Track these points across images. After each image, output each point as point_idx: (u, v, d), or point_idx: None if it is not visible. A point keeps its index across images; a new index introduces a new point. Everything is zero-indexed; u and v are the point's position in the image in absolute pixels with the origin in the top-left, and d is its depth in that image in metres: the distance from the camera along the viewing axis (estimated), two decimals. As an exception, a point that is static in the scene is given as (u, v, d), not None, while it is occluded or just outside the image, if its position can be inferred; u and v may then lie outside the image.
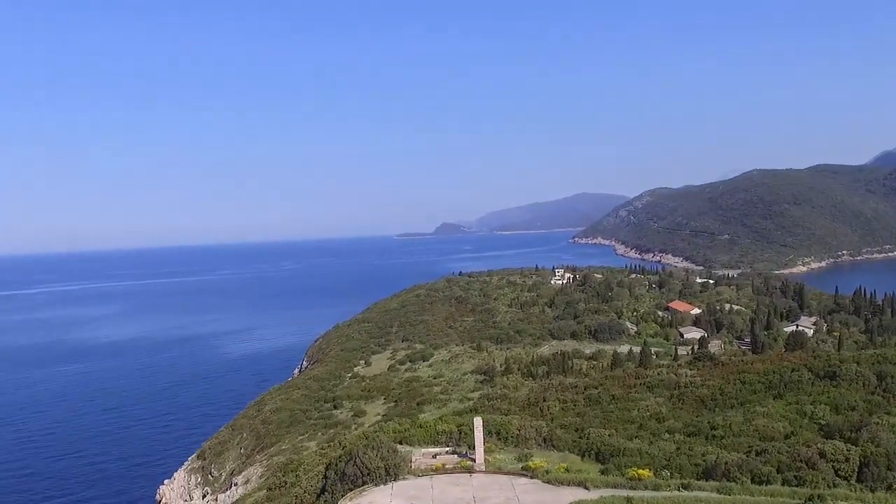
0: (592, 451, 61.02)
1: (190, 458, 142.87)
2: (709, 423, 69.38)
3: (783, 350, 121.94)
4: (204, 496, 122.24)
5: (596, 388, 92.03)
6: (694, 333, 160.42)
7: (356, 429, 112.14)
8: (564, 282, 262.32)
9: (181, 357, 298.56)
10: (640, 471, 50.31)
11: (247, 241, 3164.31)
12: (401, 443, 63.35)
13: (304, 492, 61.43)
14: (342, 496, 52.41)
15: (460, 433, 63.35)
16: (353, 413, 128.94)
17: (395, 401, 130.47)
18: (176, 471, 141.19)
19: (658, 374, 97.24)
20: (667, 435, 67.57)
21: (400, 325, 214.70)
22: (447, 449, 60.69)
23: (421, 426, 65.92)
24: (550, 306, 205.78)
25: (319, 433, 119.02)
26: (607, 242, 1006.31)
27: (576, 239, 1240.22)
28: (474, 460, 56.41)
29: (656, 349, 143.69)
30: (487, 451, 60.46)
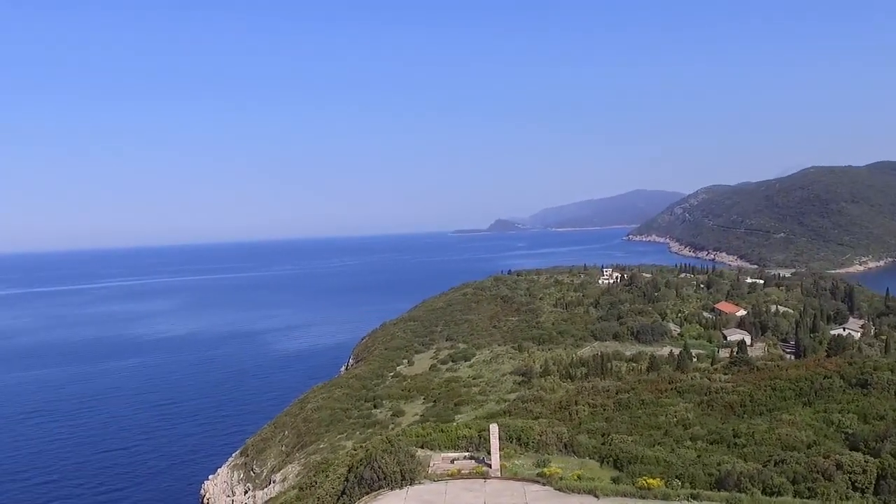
0: (611, 458, 61.42)
1: (234, 455, 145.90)
2: (733, 430, 69.26)
3: (824, 355, 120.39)
4: (246, 492, 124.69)
5: (627, 393, 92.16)
6: (737, 336, 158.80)
7: (393, 429, 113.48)
8: (612, 281, 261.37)
9: (234, 353, 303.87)
10: (651, 480, 50.65)
11: (301, 238, 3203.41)
12: (422, 447, 64.43)
13: (326, 493, 62.82)
14: (358, 499, 53.77)
15: (480, 438, 64.10)
16: (392, 413, 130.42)
17: (434, 401, 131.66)
18: (220, 466, 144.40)
19: (691, 378, 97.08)
20: (689, 442, 67.62)
21: (445, 324, 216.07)
22: (465, 454, 61.56)
23: (442, 430, 66.86)
24: (595, 307, 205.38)
25: (357, 433, 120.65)
26: (662, 240, 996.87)
27: (630, 236, 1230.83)
28: (490, 466, 57.39)
29: (698, 352, 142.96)
30: (506, 456, 61.29)
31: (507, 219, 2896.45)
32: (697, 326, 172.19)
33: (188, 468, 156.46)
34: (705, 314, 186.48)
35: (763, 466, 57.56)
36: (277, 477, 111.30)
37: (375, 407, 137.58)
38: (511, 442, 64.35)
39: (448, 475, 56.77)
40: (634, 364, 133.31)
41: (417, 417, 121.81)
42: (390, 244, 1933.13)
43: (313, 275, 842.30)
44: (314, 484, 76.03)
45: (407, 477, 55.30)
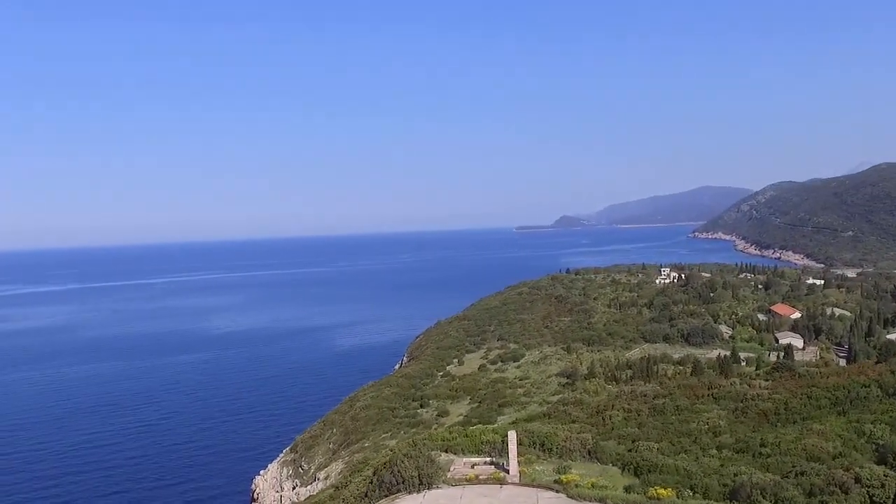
0: (632, 466, 61.92)
1: (284, 451, 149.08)
2: (760, 440, 69.15)
3: (874, 361, 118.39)
4: (293, 488, 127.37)
5: (664, 398, 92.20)
6: (790, 339, 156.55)
7: (436, 428, 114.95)
8: (669, 281, 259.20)
9: (292, 349, 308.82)
10: (662, 490, 51.16)
11: (365, 233, 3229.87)
12: (446, 451, 65.78)
13: (351, 494, 64.53)
14: (376, 501, 55.40)
15: (503, 444, 65.08)
16: (437, 413, 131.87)
17: (479, 402, 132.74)
18: (271, 462, 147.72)
19: (730, 384, 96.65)
20: (714, 451, 67.80)
21: (498, 323, 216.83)
22: (486, 459, 62.68)
23: (467, 435, 68.15)
24: (649, 307, 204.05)
25: (402, 432, 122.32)
26: (728, 237, 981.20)
27: (695, 234, 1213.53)
28: (508, 472, 58.44)
29: (747, 355, 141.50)
30: (528, 462, 62.32)
31: (571, 215, 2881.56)
32: (750, 329, 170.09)
33: (242, 462, 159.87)
34: (760, 316, 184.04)
35: (783, 478, 57.68)
36: (321, 474, 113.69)
37: (422, 406, 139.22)
38: (534, 448, 65.40)
39: (466, 480, 58.01)
40: (681, 367, 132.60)
41: (461, 418, 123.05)
42: (453, 240, 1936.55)
43: (375, 271, 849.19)
44: (348, 484, 77.98)
45: (425, 481, 56.71)
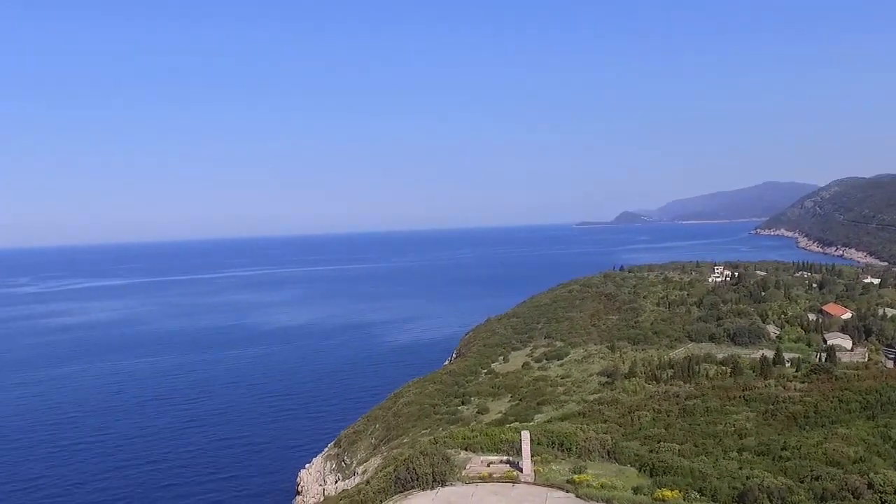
0: (648, 467, 62.37)
1: (329, 445, 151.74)
2: (783, 443, 69.01)
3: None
4: (336, 482, 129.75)
5: (696, 399, 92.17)
6: (838, 340, 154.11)
7: (474, 425, 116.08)
8: (721, 280, 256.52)
9: (345, 344, 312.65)
10: (667, 492, 51.78)
11: (426, 229, 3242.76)
12: (466, 449, 67.02)
13: (372, 490, 66.08)
14: (390, 497, 56.92)
15: (521, 443, 66.18)
16: (477, 410, 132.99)
17: (519, 399, 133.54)
18: (316, 456, 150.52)
19: (765, 385, 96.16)
20: (734, 454, 67.84)
21: (547, 321, 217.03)
22: (503, 458, 63.71)
23: (486, 434, 69.26)
24: (699, 306, 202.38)
25: (441, 429, 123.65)
26: (790, 235, 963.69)
27: (757, 230, 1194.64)
28: (522, 471, 59.41)
29: (792, 356, 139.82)
30: (545, 462, 63.22)
31: (632, 211, 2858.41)
32: (798, 329, 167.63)
33: (289, 456, 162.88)
34: (810, 316, 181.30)
35: (800, 482, 57.80)
36: (360, 469, 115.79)
37: (463, 403, 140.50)
38: (552, 447, 66.25)
39: (479, 478, 59.22)
40: (723, 368, 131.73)
41: (500, 415, 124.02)
42: (511, 236, 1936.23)
43: (432, 266, 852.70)
44: (373, 479, 79.69)
45: (438, 479, 58.07)
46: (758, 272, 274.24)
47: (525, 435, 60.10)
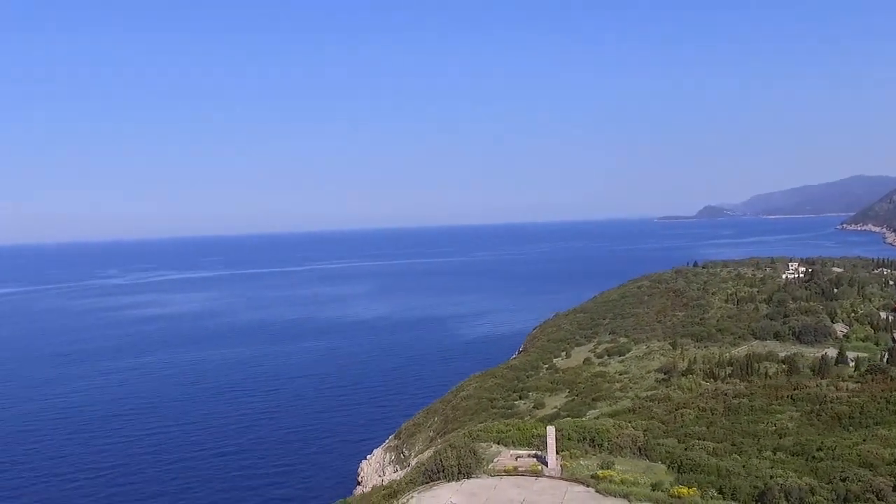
0: (676, 464, 62.82)
1: (389, 437, 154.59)
2: (821, 443, 68.54)
3: None
4: (395, 472, 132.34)
5: (744, 398, 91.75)
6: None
7: (529, 419, 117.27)
8: (794, 276, 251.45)
9: (416, 338, 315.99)
10: (682, 489, 52.53)
11: (505, 223, 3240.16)
12: (498, 443, 68.54)
13: (403, 480, 68.10)
14: (415, 488, 58.77)
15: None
16: (533, 405, 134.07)
17: (576, 395, 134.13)
18: (377, 447, 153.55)
19: (817, 385, 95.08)
20: (769, 453, 67.68)
21: (613, 317, 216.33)
22: (532, 452, 64.98)
23: (519, 429, 70.62)
24: (768, 303, 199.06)
25: (496, 423, 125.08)
26: (878, 230, 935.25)
27: (844, 225, 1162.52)
28: (547, 464, 60.56)
29: (858, 355, 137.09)
30: (573, 456, 64.36)
31: (715, 205, 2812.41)
32: (867, 328, 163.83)
33: (353, 447, 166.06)
34: (882, 314, 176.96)
35: (827, 483, 57.73)
36: (414, 461, 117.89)
37: (520, 398, 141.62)
38: (583, 442, 67.25)
39: (504, 471, 60.72)
40: (783, 366, 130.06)
41: (554, 411, 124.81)
42: (590, 231, 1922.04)
43: (508, 261, 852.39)
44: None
45: (464, 471, 59.77)
46: (834, 269, 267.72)
47: (550, 430, 61.35)
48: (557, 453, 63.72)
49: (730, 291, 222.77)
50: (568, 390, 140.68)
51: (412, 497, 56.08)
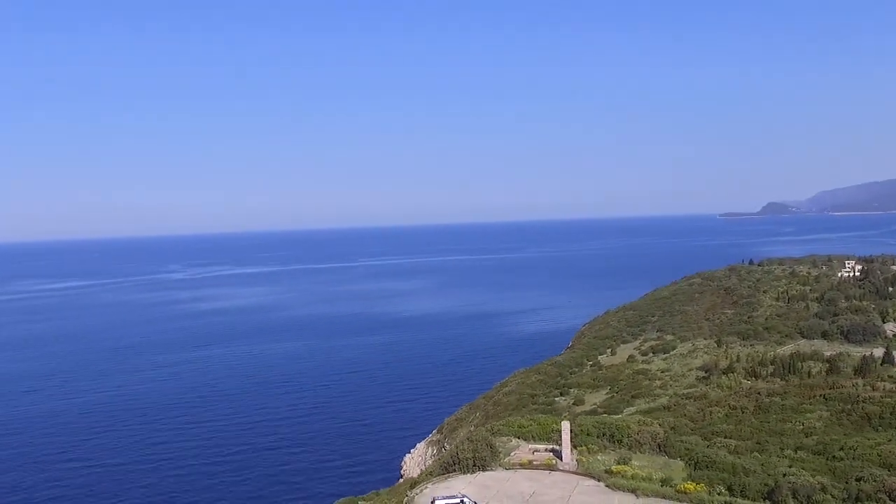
0: (693, 461, 63.39)
1: (433, 432, 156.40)
2: (843, 443, 68.42)
3: None
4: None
5: (776, 396, 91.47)
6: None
7: (566, 415, 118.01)
8: (850, 274, 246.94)
9: (467, 334, 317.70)
10: (688, 485, 53.31)
11: (566, 219, 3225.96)
12: (519, 437, 69.77)
13: (425, 472, 69.73)
14: (431, 479, 60.34)
15: (572, 433, 68.27)
16: (573, 401, 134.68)
17: (616, 392, 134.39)
18: (420, 441, 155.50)
19: (853, 385, 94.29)
20: (789, 451, 67.83)
21: (662, 314, 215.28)
22: (549, 446, 66.14)
23: (539, 424, 71.77)
24: (819, 301, 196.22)
25: (517, 418, 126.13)
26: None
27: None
28: (562, 459, 61.63)
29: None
30: (591, 452, 65.42)
31: (780, 202, 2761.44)
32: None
33: (399, 440, 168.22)
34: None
35: (844, 482, 57.91)
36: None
37: (562, 395, 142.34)
38: (602, 438, 68.16)
39: (520, 465, 62.11)
40: (827, 365, 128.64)
41: (593, 407, 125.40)
42: (652, 227, 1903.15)
43: (568, 258, 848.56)
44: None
45: (479, 464, 61.30)
46: (893, 267, 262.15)
47: (565, 425, 62.49)
48: (575, 448, 64.87)
49: (781, 289, 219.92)
50: (609, 387, 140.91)
51: (426, 487, 57.76)
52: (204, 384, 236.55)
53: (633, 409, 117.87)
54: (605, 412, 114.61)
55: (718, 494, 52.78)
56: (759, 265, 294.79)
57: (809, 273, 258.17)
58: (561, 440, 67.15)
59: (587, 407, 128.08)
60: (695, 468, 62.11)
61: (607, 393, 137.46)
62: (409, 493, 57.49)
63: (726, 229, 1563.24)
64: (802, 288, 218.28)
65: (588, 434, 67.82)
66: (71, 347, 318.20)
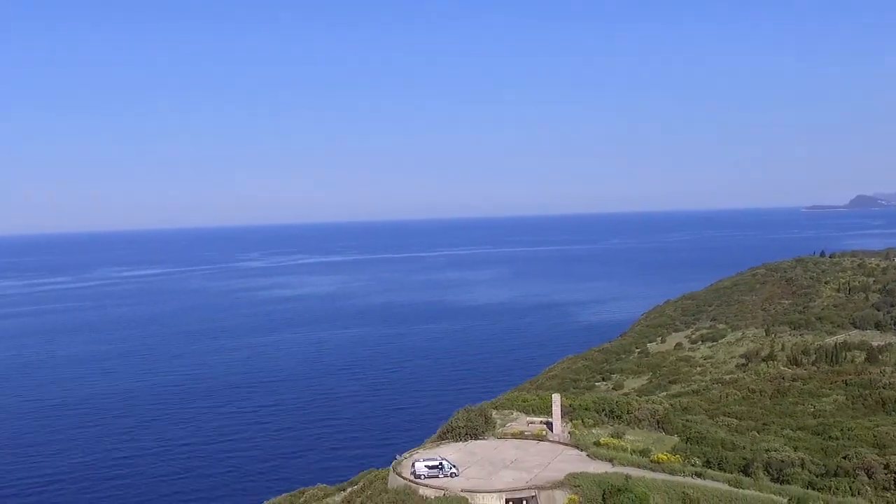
0: (685, 436, 64.88)
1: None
2: (844, 424, 68.86)
3: None
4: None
5: (797, 381, 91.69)
6: None
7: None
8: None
9: (535, 322, 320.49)
10: (661, 455, 55.04)
11: (649, 211, 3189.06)
12: (521, 411, 72.10)
13: (430, 440, 72.59)
14: (424, 446, 63.32)
15: (571, 407, 70.47)
16: (613, 386, 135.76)
17: (656, 378, 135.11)
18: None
19: (881, 372, 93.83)
20: (788, 431, 68.63)
21: (719, 304, 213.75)
22: (543, 419, 68.35)
23: (541, 398, 73.90)
24: (881, 293, 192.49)
25: (522, 393, 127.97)
26: None
27: None
28: (553, 430, 63.87)
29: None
30: (586, 425, 67.52)
31: (869, 194, 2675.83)
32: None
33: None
34: None
35: (828, 459, 58.85)
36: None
37: (603, 380, 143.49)
38: (601, 414, 70.08)
39: (511, 435, 64.65)
40: (866, 354, 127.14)
41: (632, 392, 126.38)
42: (733, 219, 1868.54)
43: (643, 249, 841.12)
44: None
45: (471, 433, 63.97)
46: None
47: (556, 398, 64.83)
48: (571, 421, 67.00)
49: (843, 281, 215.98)
50: (651, 373, 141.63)
51: (417, 452, 60.72)
52: (270, 366, 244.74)
53: (664, 393, 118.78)
54: (636, 395, 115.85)
55: (692, 465, 54.33)
56: (829, 257, 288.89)
57: (878, 265, 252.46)
58: (564, 413, 69.47)
59: (625, 391, 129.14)
60: (686, 442, 63.61)
61: (647, 378, 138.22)
62: (398, 457, 60.41)
63: (810, 222, 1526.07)
64: (866, 279, 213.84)
65: (587, 409, 69.81)
66: (152, 331, 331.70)
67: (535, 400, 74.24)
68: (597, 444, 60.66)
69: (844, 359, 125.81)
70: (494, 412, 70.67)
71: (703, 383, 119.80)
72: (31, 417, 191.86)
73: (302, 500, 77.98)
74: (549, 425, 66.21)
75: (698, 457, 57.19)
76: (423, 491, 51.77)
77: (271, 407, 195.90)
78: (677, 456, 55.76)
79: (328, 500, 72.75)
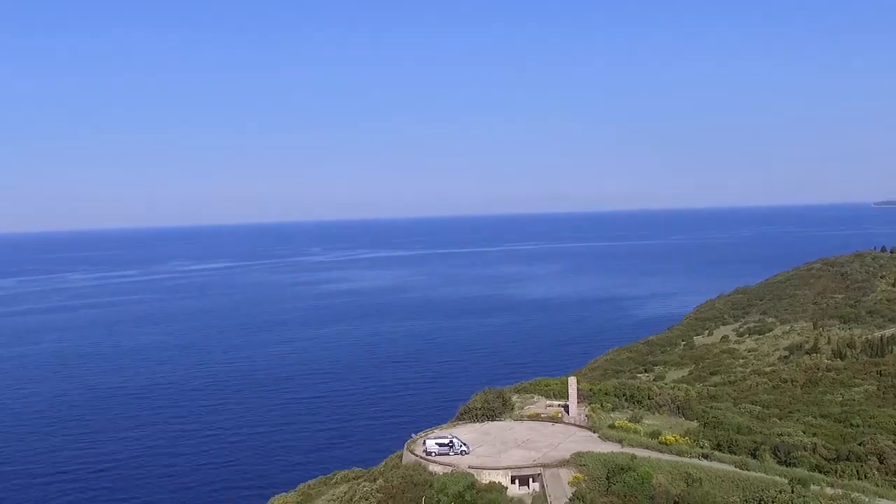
0: (703, 421, 65.28)
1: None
2: (866, 412, 68.62)
3: None
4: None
5: (831, 372, 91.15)
6: None
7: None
8: None
9: (591, 316, 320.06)
10: (670, 437, 55.65)
11: (708, 207, 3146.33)
12: (546, 395, 73.15)
13: (450, 422, 74.08)
14: (442, 426, 64.80)
15: (591, 392, 71.31)
16: (654, 378, 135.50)
17: (698, 369, 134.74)
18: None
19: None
20: (810, 418, 68.61)
21: (771, 298, 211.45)
22: (562, 402, 69.31)
23: (563, 383, 75.25)
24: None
25: (545, 378, 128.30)
26: None
27: None
28: (568, 412, 64.85)
29: None
30: (605, 409, 68.29)
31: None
32: None
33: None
34: None
35: (844, 444, 58.95)
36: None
37: (646, 371, 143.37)
38: (621, 398, 70.84)
39: (528, 417, 65.77)
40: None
41: (672, 383, 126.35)
42: (797, 215, 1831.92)
43: (702, 245, 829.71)
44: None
45: (488, 414, 65.28)
46: None
47: (572, 381, 65.90)
48: (589, 405, 67.90)
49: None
50: (693, 365, 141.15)
51: (433, 431, 62.27)
52: (323, 358, 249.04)
53: (701, 384, 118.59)
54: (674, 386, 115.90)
55: (700, 448, 54.93)
56: (890, 252, 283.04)
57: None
58: (582, 397, 70.48)
59: (666, 382, 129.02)
60: (704, 427, 64.09)
61: (689, 370, 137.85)
62: (413, 436, 62.02)
63: (881, 218, 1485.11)
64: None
65: (606, 394, 70.62)
66: (205, 323, 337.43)
67: (556, 385, 75.34)
68: (611, 426, 61.52)
69: (890, 352, 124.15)
70: (516, 396, 71.95)
71: (742, 374, 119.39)
72: (92, 405, 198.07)
73: (333, 481, 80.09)
74: (567, 408, 67.21)
75: (709, 440, 57.64)
76: (432, 467, 53.38)
77: (318, 398, 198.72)
78: (686, 438, 56.35)
79: (357, 480, 74.69)
